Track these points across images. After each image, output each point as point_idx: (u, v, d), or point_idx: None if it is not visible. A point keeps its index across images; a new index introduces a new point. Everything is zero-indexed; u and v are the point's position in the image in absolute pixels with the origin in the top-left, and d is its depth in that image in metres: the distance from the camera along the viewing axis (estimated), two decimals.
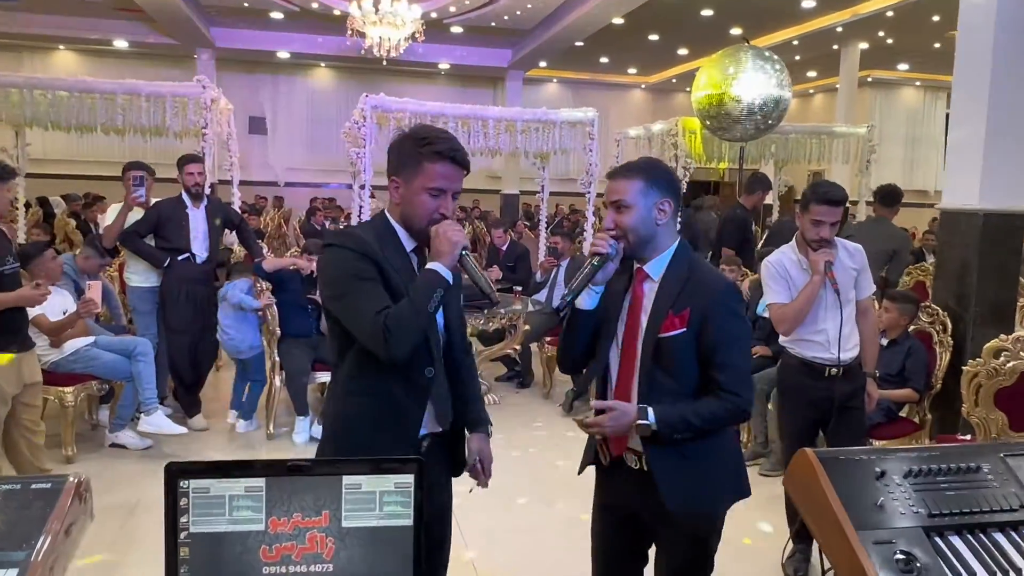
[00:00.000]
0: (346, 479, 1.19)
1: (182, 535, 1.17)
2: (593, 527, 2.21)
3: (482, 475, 2.21)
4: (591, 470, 2.21)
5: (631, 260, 2.06)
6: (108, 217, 5.27)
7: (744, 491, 2.11)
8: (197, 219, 5.18)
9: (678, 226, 2.12)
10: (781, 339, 3.46)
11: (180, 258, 5.07)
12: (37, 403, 3.75)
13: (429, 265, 1.90)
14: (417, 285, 1.89)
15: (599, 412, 1.92)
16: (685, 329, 1.95)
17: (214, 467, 1.18)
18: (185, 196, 5.18)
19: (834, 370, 3.24)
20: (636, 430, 1.91)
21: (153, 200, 5.20)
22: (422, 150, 1.95)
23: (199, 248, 5.16)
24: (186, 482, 1.16)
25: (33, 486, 1.36)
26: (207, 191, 5.39)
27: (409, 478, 1.20)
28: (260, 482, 1.18)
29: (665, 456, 1.97)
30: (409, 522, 1.20)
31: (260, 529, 1.18)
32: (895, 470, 1.60)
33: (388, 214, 2.06)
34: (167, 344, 5.19)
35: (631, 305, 2.05)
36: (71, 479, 1.38)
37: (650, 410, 1.90)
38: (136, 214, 5.12)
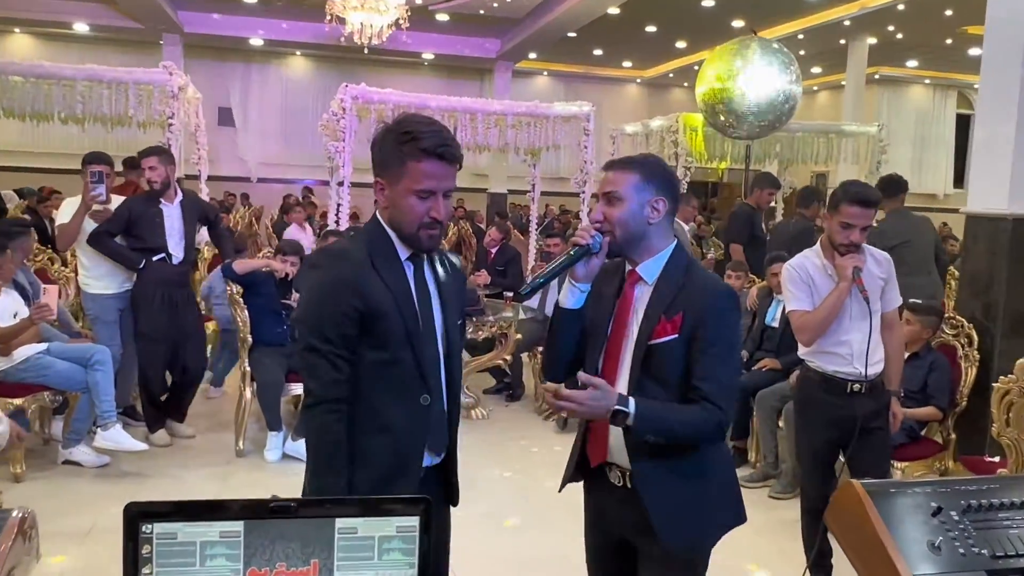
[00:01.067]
0: (339, 522, 1.11)
1: None
2: (586, 548, 2.22)
3: None
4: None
5: (623, 263, 2.05)
6: (63, 214, 5.10)
7: (740, 518, 2.09)
8: (172, 216, 5.03)
9: (674, 229, 2.07)
10: (801, 351, 3.40)
11: (155, 259, 4.94)
12: None
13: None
14: (335, 482, 1.89)
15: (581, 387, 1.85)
16: (677, 335, 1.92)
17: (183, 508, 1.09)
18: (154, 190, 5.03)
19: (857, 386, 3.19)
20: (612, 419, 1.83)
21: (113, 197, 5.06)
22: (405, 147, 1.88)
23: (175, 247, 5.02)
24: (149, 526, 1.08)
25: None
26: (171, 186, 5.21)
27: (413, 520, 1.12)
28: (238, 526, 1.10)
29: (655, 477, 1.94)
30: (413, 572, 1.13)
31: None
32: (952, 505, 1.55)
33: (379, 217, 2.00)
34: (139, 354, 5.08)
35: (619, 309, 2.02)
36: (14, 514, 1.35)
37: (632, 401, 1.82)
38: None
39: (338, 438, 1.86)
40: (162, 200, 5.01)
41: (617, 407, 1.79)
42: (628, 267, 2.03)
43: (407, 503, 1.14)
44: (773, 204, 8.63)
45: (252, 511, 1.11)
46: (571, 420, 5.49)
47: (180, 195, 5.17)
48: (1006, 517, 1.56)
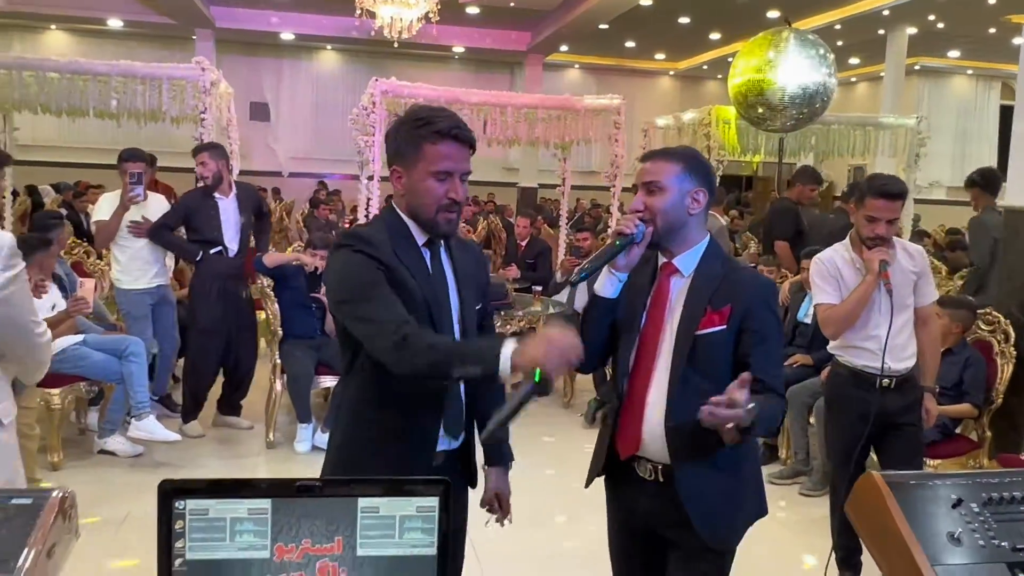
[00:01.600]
0: (362, 502, 1.15)
1: (177, 562, 1.14)
2: (610, 546, 2.25)
3: (501, 512, 2.22)
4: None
5: (655, 254, 2.06)
6: (100, 210, 5.21)
7: (764, 510, 2.13)
8: (228, 210, 5.14)
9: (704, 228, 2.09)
10: (831, 346, 3.42)
11: (212, 252, 5.05)
12: (32, 405, 3.76)
13: (505, 349, 1.74)
14: (472, 347, 1.90)
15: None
16: (725, 327, 1.95)
17: (214, 486, 1.15)
18: (207, 184, 5.15)
19: (885, 381, 3.18)
20: (742, 419, 1.76)
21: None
22: (421, 131, 1.92)
23: (231, 240, 5.12)
24: (182, 502, 1.13)
25: (13, 501, 1.34)
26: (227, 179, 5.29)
27: (433, 501, 1.16)
28: (265, 503, 1.14)
29: (694, 472, 1.97)
30: (432, 551, 1.16)
31: (265, 557, 1.15)
32: (973, 497, 1.55)
33: (395, 206, 2.04)
34: (192, 346, 5.20)
35: (654, 301, 2.05)
36: (55, 494, 1.35)
37: (752, 402, 1.77)
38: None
39: (432, 342, 1.82)
40: (217, 194, 5.12)
41: (750, 408, 1.73)
42: (662, 259, 2.05)
43: (427, 484, 1.17)
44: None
45: (279, 490, 1.15)
46: (599, 413, 5.55)
47: (235, 188, 5.27)
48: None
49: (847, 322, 3.20)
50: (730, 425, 1.74)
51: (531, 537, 3.90)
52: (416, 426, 1.97)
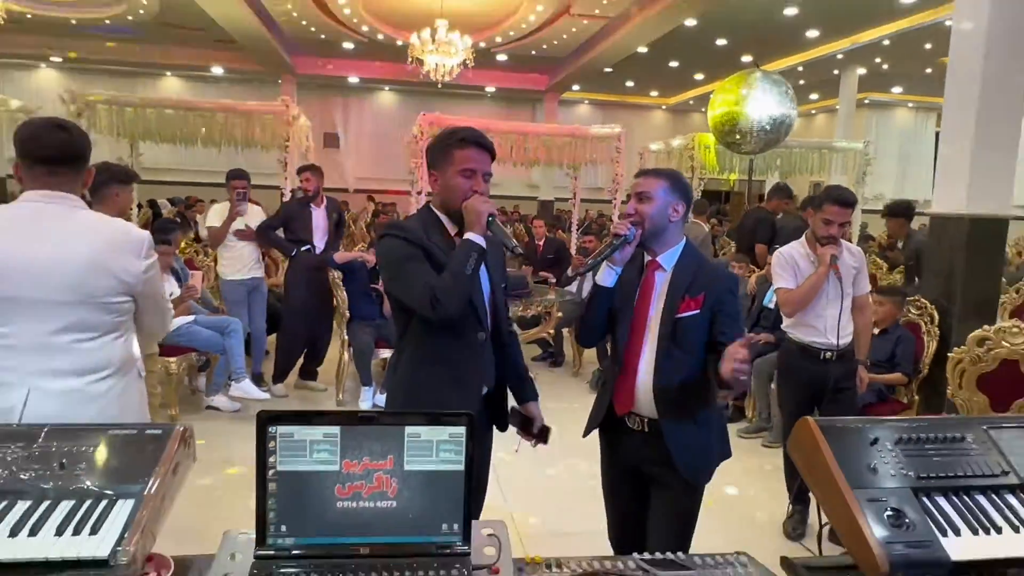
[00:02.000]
0: (408, 429, 1.20)
1: (270, 472, 1.19)
2: (603, 482, 2.27)
3: (534, 436, 2.25)
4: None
5: (642, 253, 2.10)
6: (210, 217, 5.34)
7: (728, 453, 2.16)
8: (318, 217, 5.24)
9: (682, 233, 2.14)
10: (784, 324, 3.42)
11: (303, 248, 5.16)
12: (154, 369, 3.88)
13: (465, 235, 1.93)
14: (455, 253, 1.93)
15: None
16: (699, 311, 2.00)
17: (298, 416, 1.20)
18: (304, 197, 5.26)
19: (829, 354, 3.20)
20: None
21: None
22: (449, 141, 1.99)
23: (319, 241, 5.22)
24: (274, 428, 1.18)
25: (147, 432, 1.40)
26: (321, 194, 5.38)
27: (461, 430, 1.20)
28: (336, 430, 1.19)
29: (678, 423, 2.02)
30: (461, 467, 1.21)
31: (335, 469, 1.19)
32: (887, 438, 1.57)
33: (432, 206, 2.08)
34: (284, 324, 5.31)
35: (642, 291, 2.08)
36: (178, 428, 1.41)
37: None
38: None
39: (446, 283, 1.86)
40: (311, 204, 5.22)
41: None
42: (648, 257, 2.08)
43: (457, 416, 1.21)
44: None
45: (347, 419, 1.21)
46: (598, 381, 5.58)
47: (325, 200, 5.34)
48: (930, 448, 1.57)
49: (802, 303, 3.20)
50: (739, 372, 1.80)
51: (542, 476, 3.96)
52: (455, 377, 2.01)
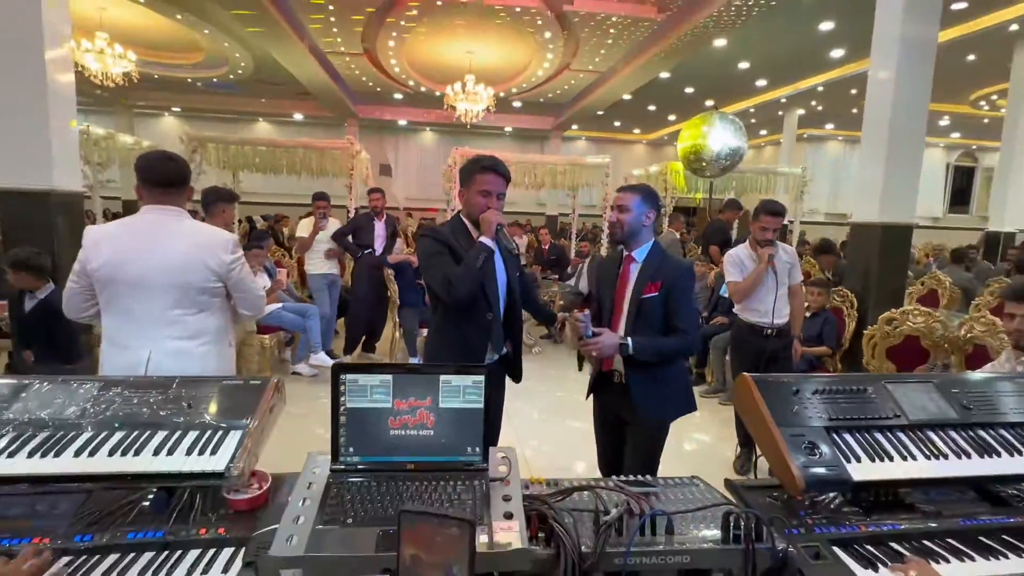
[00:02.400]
0: (442, 377, 1.24)
1: (342, 408, 1.23)
2: (595, 427, 2.28)
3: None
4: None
5: (621, 252, 2.12)
6: (301, 229, 5.34)
7: (693, 407, 2.14)
8: (379, 228, 5.28)
9: (653, 233, 2.16)
10: (735, 309, 3.41)
11: (366, 252, 5.20)
12: (252, 344, 3.97)
13: (479, 239, 2.00)
14: (469, 252, 1.98)
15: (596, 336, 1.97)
16: (657, 294, 2.02)
17: (362, 367, 1.24)
18: (372, 212, 5.30)
19: (770, 331, 3.20)
20: (619, 350, 1.96)
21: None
22: (474, 167, 2.03)
23: (378, 247, 5.25)
24: (344, 375, 1.23)
25: (251, 383, 1.47)
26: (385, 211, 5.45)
27: (481, 378, 1.24)
28: (389, 377, 1.23)
29: (640, 378, 2.03)
30: (480, 406, 1.24)
31: (389, 406, 1.24)
32: (806, 389, 1.59)
33: (461, 215, 2.12)
34: (351, 309, 5.31)
35: (621, 279, 2.10)
36: (273, 380, 1.48)
37: (630, 340, 1.97)
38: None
39: (459, 273, 1.95)
40: (375, 218, 5.27)
41: (621, 343, 1.94)
42: (626, 252, 2.10)
43: (477, 368, 1.25)
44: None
45: (397, 369, 1.25)
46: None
47: (385, 216, 5.38)
48: (840, 397, 1.58)
49: (747, 292, 3.21)
50: (595, 351, 1.95)
51: (547, 427, 3.96)
52: (467, 346, 2.06)
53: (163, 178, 1.94)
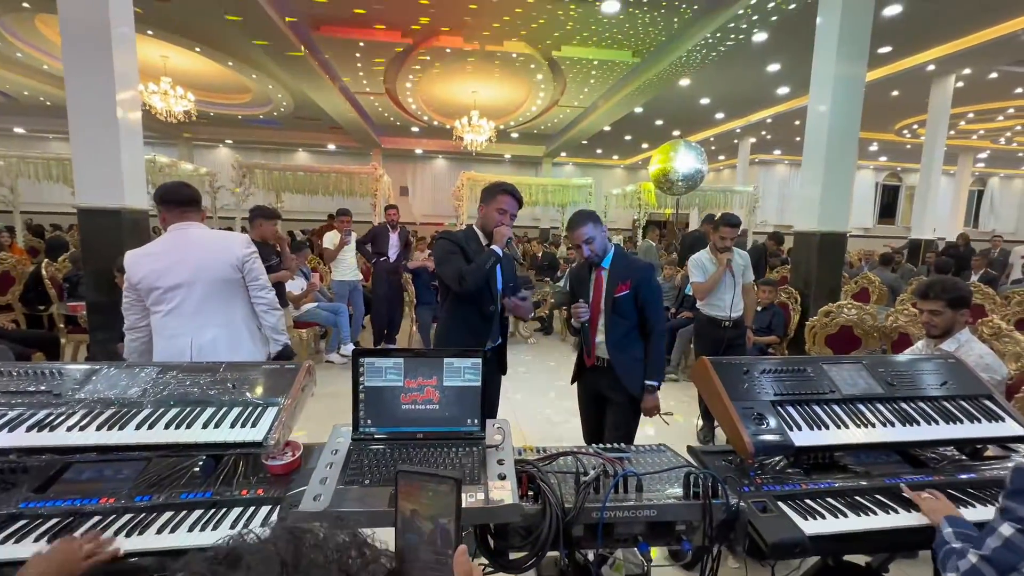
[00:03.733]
0: (446, 359, 1.23)
1: (360, 386, 1.23)
2: (579, 403, 2.25)
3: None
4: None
5: (592, 264, 2.09)
6: (327, 241, 5.31)
7: (663, 380, 2.13)
8: (393, 237, 5.23)
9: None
10: (697, 304, 3.40)
11: (382, 259, 5.15)
12: (292, 336, 3.92)
13: (491, 246, 2.00)
14: (481, 256, 1.99)
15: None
16: (628, 291, 2.01)
17: (377, 351, 1.24)
18: (388, 225, 5.25)
19: (727, 323, 3.18)
20: (649, 391, 1.99)
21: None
22: (497, 189, 2.04)
23: (392, 254, 5.20)
24: (362, 358, 1.23)
25: (286, 367, 1.46)
26: (399, 224, 5.43)
27: (478, 360, 1.24)
28: (401, 360, 1.23)
29: (624, 361, 2.03)
30: (478, 384, 1.24)
31: (400, 385, 1.23)
32: (755, 369, 1.59)
33: (474, 226, 2.12)
34: (374, 309, 5.23)
35: (595, 284, 2.09)
36: (305, 363, 1.48)
37: (656, 382, 1.99)
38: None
39: (470, 269, 1.95)
40: (390, 228, 5.23)
41: (653, 386, 1.98)
42: (594, 264, 2.08)
43: (476, 352, 1.24)
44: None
45: (408, 353, 1.24)
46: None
47: (398, 227, 5.35)
48: (783, 376, 1.58)
49: (709, 291, 3.19)
50: (653, 412, 1.98)
51: (540, 404, 3.93)
52: (470, 332, 2.05)
53: (183, 199, 1.99)
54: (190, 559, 0.36)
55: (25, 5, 6.95)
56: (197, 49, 8.31)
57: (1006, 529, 0.88)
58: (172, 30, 7.52)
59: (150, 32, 7.64)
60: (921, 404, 1.54)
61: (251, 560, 0.35)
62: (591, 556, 1.25)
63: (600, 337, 2.05)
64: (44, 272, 4.62)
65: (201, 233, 1.99)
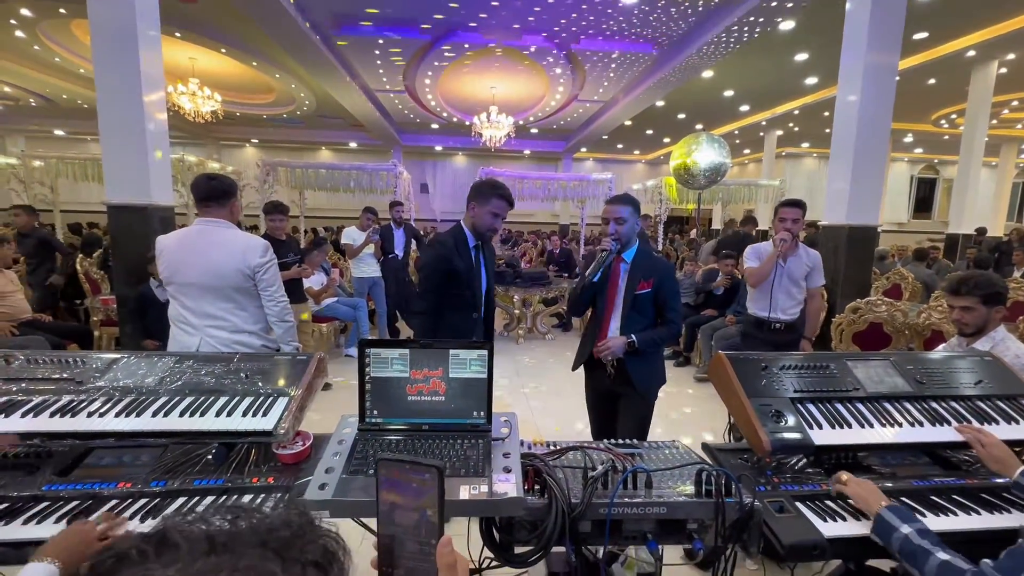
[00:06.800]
0: (451, 351, 1.22)
1: (367, 377, 1.23)
2: (587, 400, 2.22)
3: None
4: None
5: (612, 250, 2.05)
6: (345, 235, 5.24)
7: (665, 379, 2.11)
8: (399, 235, 5.26)
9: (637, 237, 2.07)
10: (747, 302, 3.06)
11: (389, 256, 5.18)
12: (308, 331, 4.00)
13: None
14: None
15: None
16: (649, 289, 1.99)
17: (384, 343, 1.23)
18: (392, 223, 5.26)
19: (777, 325, 2.82)
20: (627, 346, 1.94)
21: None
22: (492, 192, 2.01)
23: (399, 251, 5.23)
24: (369, 349, 1.23)
25: (298, 358, 1.48)
26: (404, 220, 5.44)
27: (484, 352, 1.22)
28: (407, 351, 1.22)
29: (637, 361, 2.01)
30: (485, 376, 1.22)
31: (406, 375, 1.22)
32: (775, 365, 1.54)
33: (463, 223, 2.10)
34: (388, 303, 5.22)
35: (612, 277, 2.05)
36: (316, 355, 1.49)
37: (635, 337, 1.95)
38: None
39: (427, 326, 2.00)
40: (394, 225, 5.24)
41: (629, 341, 1.93)
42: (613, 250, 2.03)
43: (481, 344, 1.22)
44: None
45: (414, 345, 1.23)
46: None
47: (404, 225, 5.36)
48: (804, 372, 1.53)
49: (757, 277, 2.84)
50: (608, 353, 1.93)
51: (555, 398, 3.91)
52: (459, 333, 2.06)
53: (204, 194, 1.96)
54: (124, 537, 0.36)
55: (62, 11, 7.23)
56: (223, 50, 8.51)
57: None
58: (199, 32, 7.71)
59: (178, 34, 7.85)
60: (953, 403, 1.46)
61: (178, 537, 0.35)
62: (601, 553, 1.22)
63: (614, 332, 2.03)
64: (79, 268, 4.81)
65: (223, 234, 1.94)
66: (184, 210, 7.85)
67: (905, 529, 1.07)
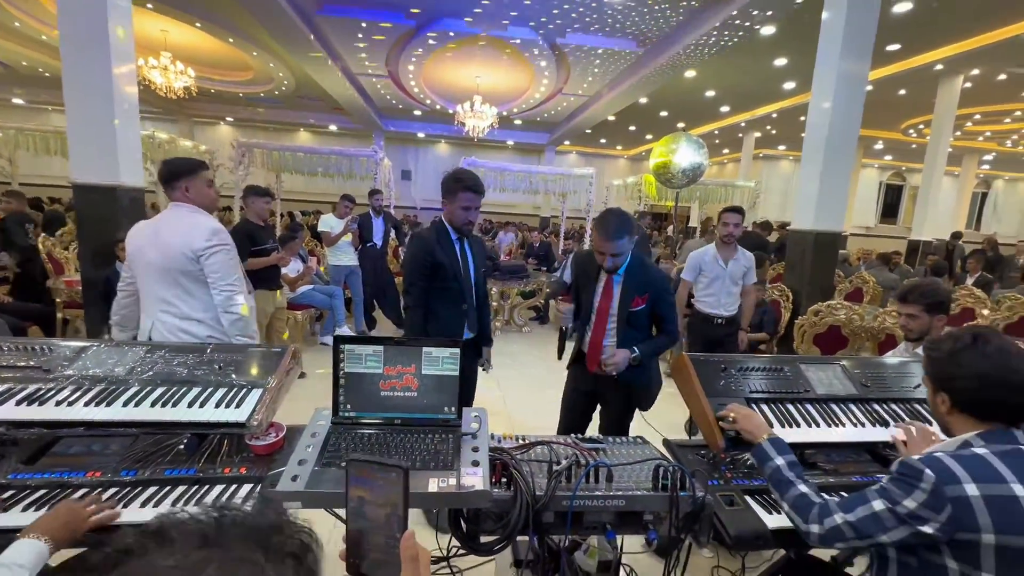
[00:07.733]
0: (424, 348, 1.24)
1: (341, 372, 1.25)
2: (565, 398, 2.20)
3: (488, 365, 2.29)
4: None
5: (593, 255, 2.01)
6: (323, 223, 5.14)
7: (661, 383, 2.15)
8: (378, 224, 5.17)
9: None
10: (694, 300, 3.31)
11: (368, 244, 5.11)
12: (282, 318, 3.95)
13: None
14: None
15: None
16: (644, 306, 1.98)
17: (358, 339, 1.25)
18: (371, 211, 5.18)
19: (720, 320, 3.15)
20: (631, 360, 1.94)
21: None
22: (457, 185, 2.00)
23: (378, 240, 5.16)
24: (343, 346, 1.24)
25: (273, 350, 1.48)
26: (384, 208, 5.37)
27: (457, 351, 1.25)
28: (380, 347, 1.24)
29: (638, 371, 2.02)
30: (456, 373, 1.25)
31: (380, 372, 1.25)
32: (732, 367, 1.61)
33: (443, 219, 2.11)
34: (364, 293, 5.16)
35: (604, 291, 2.02)
36: (291, 348, 1.50)
37: (638, 350, 1.95)
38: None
39: (417, 320, 2.00)
40: (373, 214, 5.16)
41: (633, 356, 1.91)
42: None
43: (453, 342, 1.25)
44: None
45: (388, 342, 1.25)
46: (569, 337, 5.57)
47: (383, 214, 5.29)
48: (759, 374, 1.61)
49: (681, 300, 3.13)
50: (612, 369, 1.91)
51: (531, 391, 3.95)
52: (445, 328, 2.07)
53: (160, 176, 1.92)
54: (123, 533, 0.40)
55: None
56: (198, 24, 8.20)
57: (878, 504, 0.97)
58: (172, 4, 7.41)
59: (149, 5, 7.53)
60: (893, 406, 1.57)
61: (175, 534, 0.38)
62: (564, 542, 1.29)
63: (610, 347, 2.00)
64: (41, 246, 4.63)
65: (180, 219, 1.87)
66: (153, 187, 7.59)
67: (779, 461, 1.21)
